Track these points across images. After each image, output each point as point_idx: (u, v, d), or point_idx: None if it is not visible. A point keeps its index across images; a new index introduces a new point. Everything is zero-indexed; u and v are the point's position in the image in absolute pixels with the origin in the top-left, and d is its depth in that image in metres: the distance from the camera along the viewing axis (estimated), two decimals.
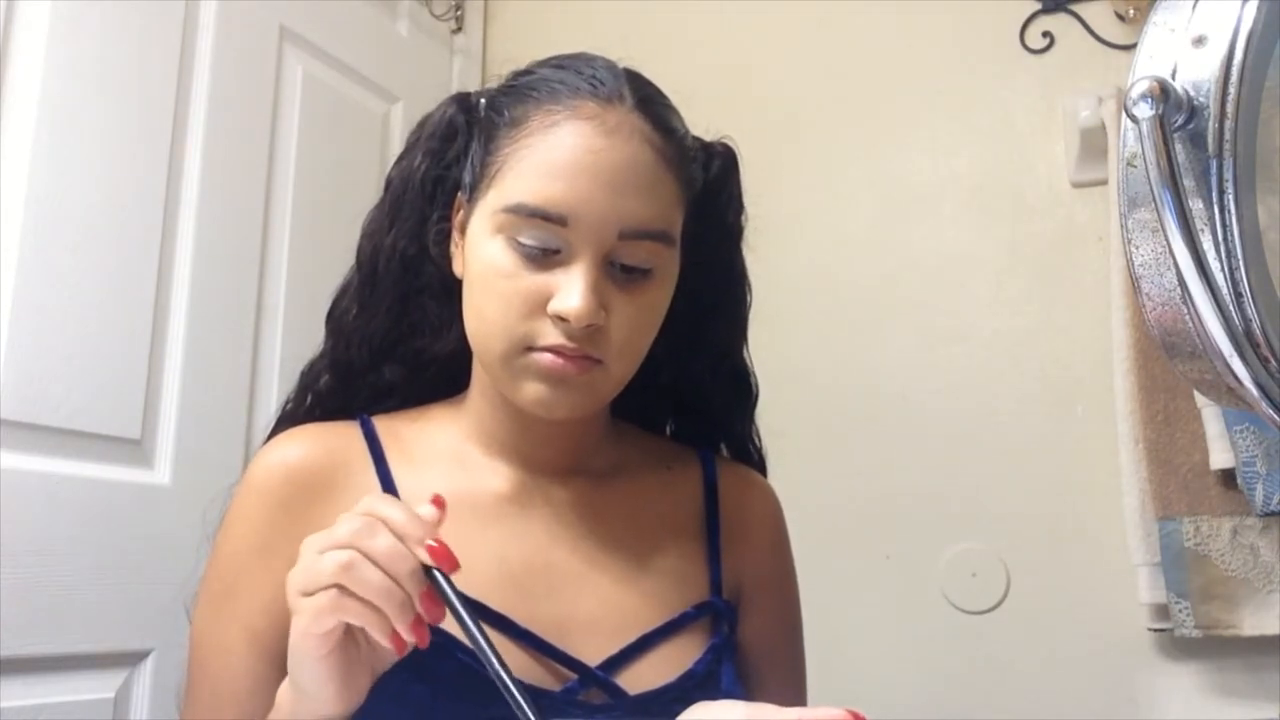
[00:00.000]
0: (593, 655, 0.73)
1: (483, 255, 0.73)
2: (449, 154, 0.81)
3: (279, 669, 0.67)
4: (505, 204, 0.71)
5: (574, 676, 0.72)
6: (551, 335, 0.70)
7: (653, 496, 0.84)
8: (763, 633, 0.85)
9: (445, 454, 0.80)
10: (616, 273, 0.72)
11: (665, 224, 0.73)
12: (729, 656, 0.78)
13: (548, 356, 0.70)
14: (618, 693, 0.72)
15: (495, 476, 0.79)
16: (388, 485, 0.76)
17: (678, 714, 0.62)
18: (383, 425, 0.80)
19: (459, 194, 0.80)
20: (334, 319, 0.84)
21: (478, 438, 0.80)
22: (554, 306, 0.69)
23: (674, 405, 0.92)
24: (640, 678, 0.74)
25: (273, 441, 0.79)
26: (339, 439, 0.78)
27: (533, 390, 0.71)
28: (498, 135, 0.75)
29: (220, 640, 0.73)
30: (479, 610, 0.71)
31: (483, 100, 0.80)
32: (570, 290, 0.69)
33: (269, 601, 0.71)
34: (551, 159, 0.71)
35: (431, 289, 0.81)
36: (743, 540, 0.85)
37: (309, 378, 0.85)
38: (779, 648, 0.88)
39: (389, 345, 0.82)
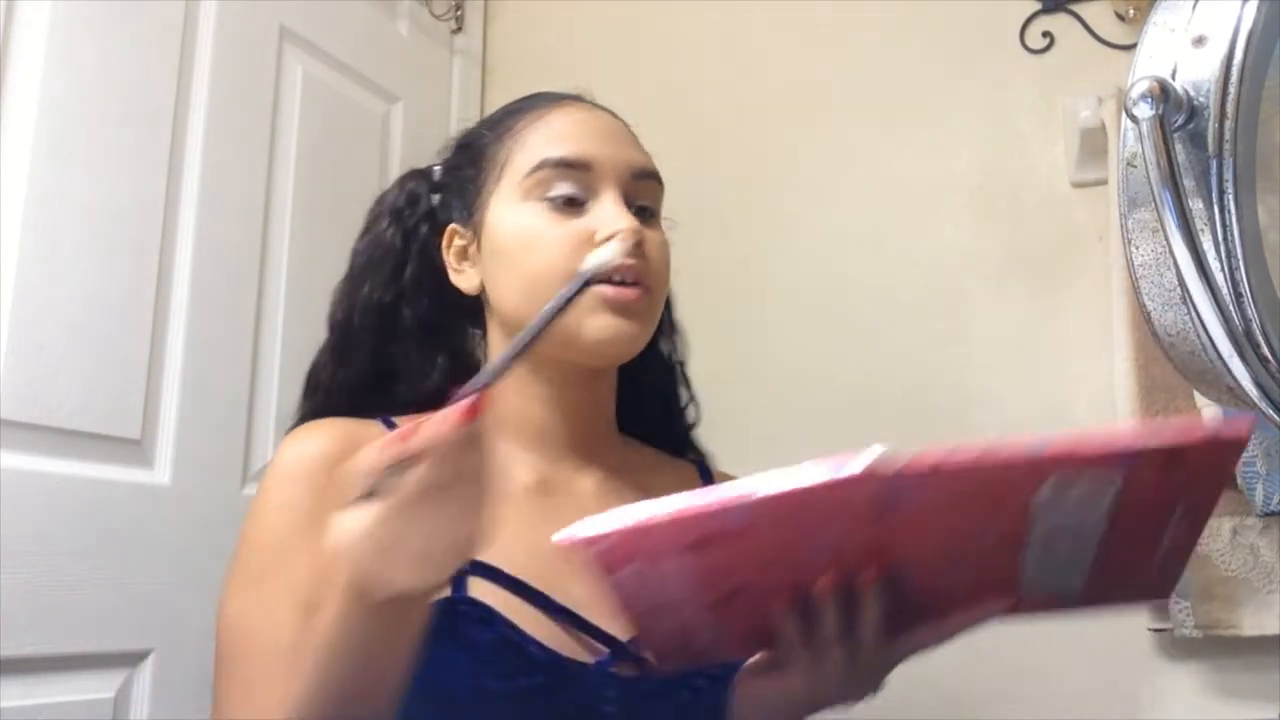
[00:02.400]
0: (621, 631, 0.76)
1: (516, 223, 0.79)
2: (416, 214, 0.88)
3: None
4: (530, 166, 0.79)
5: (606, 651, 0.75)
6: (610, 258, 0.76)
7: (661, 490, 0.86)
8: None
9: None
10: (634, 213, 0.80)
11: (657, 169, 0.85)
12: None
13: (609, 288, 0.76)
14: (647, 666, 0.75)
15: (521, 468, 0.82)
16: None
17: (700, 686, 0.72)
18: (404, 422, 0.82)
19: (449, 228, 0.85)
20: (313, 379, 0.88)
21: (499, 430, 0.80)
22: (605, 230, 0.77)
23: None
24: None
25: (296, 432, 0.81)
26: (362, 431, 0.80)
27: (599, 323, 0.77)
28: (488, 147, 0.84)
29: (268, 619, 0.72)
30: (519, 587, 0.75)
31: (436, 167, 0.90)
32: (613, 215, 0.78)
33: (321, 577, 0.71)
34: (557, 130, 0.82)
35: (412, 335, 0.86)
36: None
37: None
38: None
39: (366, 391, 0.85)
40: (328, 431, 0.79)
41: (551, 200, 0.78)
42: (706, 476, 0.95)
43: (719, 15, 1.74)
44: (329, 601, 0.60)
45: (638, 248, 0.77)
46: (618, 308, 0.76)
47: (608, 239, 0.76)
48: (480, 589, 0.74)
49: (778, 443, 1.59)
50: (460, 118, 1.71)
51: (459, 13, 1.82)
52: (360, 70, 1.60)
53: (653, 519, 0.61)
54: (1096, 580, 0.73)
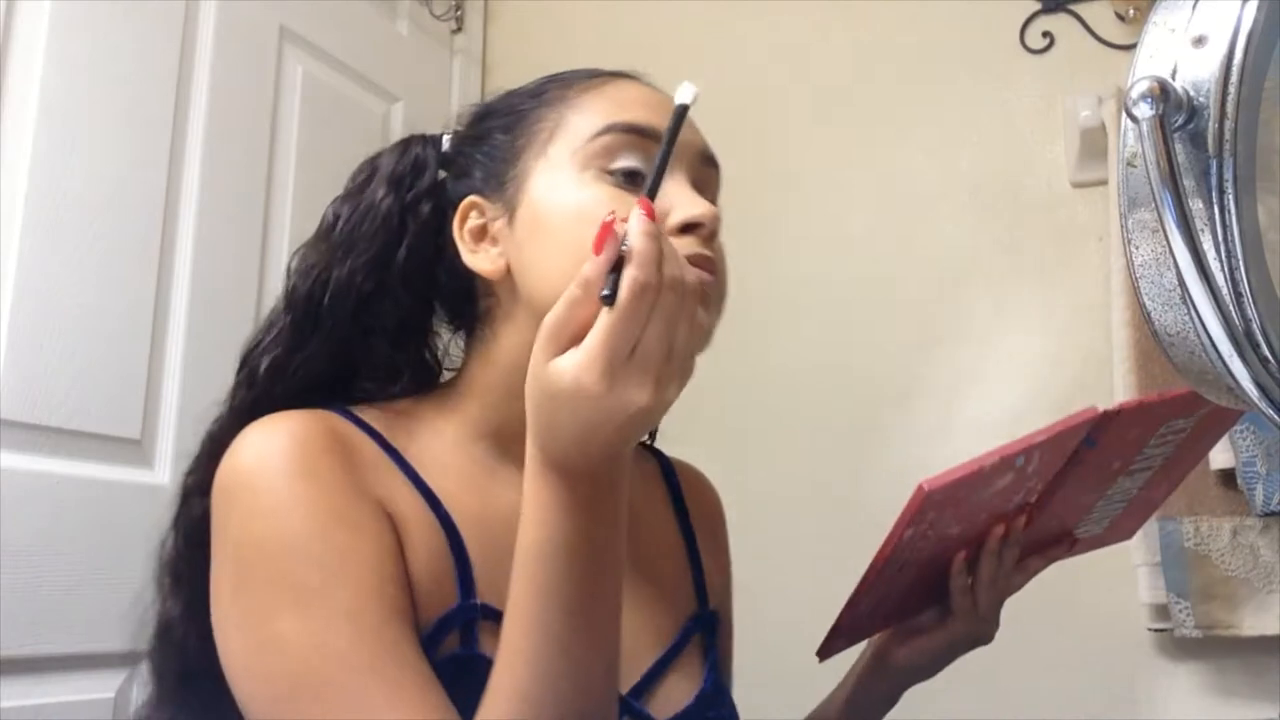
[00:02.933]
0: (621, 682, 0.69)
1: (570, 195, 0.68)
2: (419, 187, 0.77)
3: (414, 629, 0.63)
4: (594, 130, 0.68)
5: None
6: (687, 247, 0.65)
7: (640, 507, 0.82)
8: (723, 617, 0.86)
9: (458, 460, 0.73)
10: None
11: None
12: (720, 667, 0.80)
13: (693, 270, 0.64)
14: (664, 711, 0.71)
15: (511, 490, 0.71)
16: (419, 484, 0.69)
17: None
18: (372, 419, 0.71)
19: (468, 200, 0.73)
20: (252, 362, 0.75)
21: (489, 438, 0.73)
22: (681, 215, 0.66)
23: None
24: (663, 703, 0.73)
25: (268, 425, 0.67)
26: (333, 420, 0.69)
27: None
28: (531, 112, 0.73)
29: (358, 628, 0.61)
30: None
31: (447, 136, 0.79)
32: (688, 198, 0.68)
33: (391, 568, 0.64)
34: (623, 98, 0.71)
35: (386, 333, 0.75)
36: (710, 538, 0.87)
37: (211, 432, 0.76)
38: (727, 623, 0.89)
39: (320, 384, 0.73)
40: (303, 418, 0.67)
41: (613, 174, 0.67)
42: (666, 465, 0.89)
43: (719, 17, 1.74)
44: (530, 524, 0.57)
45: (711, 239, 0.67)
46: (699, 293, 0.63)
47: (683, 225, 0.66)
48: (491, 642, 0.63)
49: (776, 440, 1.60)
50: None
51: (459, 13, 1.83)
52: (360, 70, 1.60)
53: (986, 462, 0.73)
54: (1113, 524, 0.89)
